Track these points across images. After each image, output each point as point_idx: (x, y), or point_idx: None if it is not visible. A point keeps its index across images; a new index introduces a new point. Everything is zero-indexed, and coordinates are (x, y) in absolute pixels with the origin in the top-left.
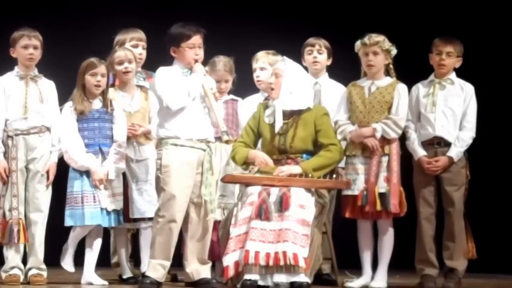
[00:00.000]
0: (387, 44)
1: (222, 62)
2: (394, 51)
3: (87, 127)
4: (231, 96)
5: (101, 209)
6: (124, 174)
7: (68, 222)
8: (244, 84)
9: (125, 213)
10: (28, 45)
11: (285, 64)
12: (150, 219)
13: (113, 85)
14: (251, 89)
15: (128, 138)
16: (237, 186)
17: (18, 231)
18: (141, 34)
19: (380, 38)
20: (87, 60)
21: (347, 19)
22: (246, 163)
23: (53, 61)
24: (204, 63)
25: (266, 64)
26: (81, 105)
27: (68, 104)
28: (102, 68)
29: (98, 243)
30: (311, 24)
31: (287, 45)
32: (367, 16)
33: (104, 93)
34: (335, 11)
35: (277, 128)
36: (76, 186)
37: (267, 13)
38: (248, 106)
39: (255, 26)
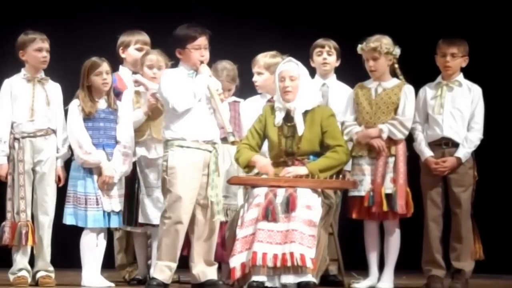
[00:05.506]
0: (384, 47)
1: (226, 71)
2: (396, 51)
3: (92, 126)
4: (233, 98)
5: (103, 212)
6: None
7: (69, 220)
8: (246, 86)
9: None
10: (42, 48)
11: (299, 67)
12: None
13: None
14: (253, 90)
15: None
16: (241, 187)
17: (27, 233)
18: (145, 37)
19: (376, 43)
20: (88, 60)
21: (353, 20)
22: (248, 166)
23: (58, 64)
24: (209, 64)
25: (261, 68)
26: (89, 107)
27: (76, 103)
28: (105, 66)
29: (102, 245)
30: (316, 25)
31: (293, 47)
32: (374, 17)
33: (108, 92)
34: (341, 12)
35: (300, 132)
36: (80, 186)
37: (272, 13)
38: (249, 107)
39: (259, 27)
